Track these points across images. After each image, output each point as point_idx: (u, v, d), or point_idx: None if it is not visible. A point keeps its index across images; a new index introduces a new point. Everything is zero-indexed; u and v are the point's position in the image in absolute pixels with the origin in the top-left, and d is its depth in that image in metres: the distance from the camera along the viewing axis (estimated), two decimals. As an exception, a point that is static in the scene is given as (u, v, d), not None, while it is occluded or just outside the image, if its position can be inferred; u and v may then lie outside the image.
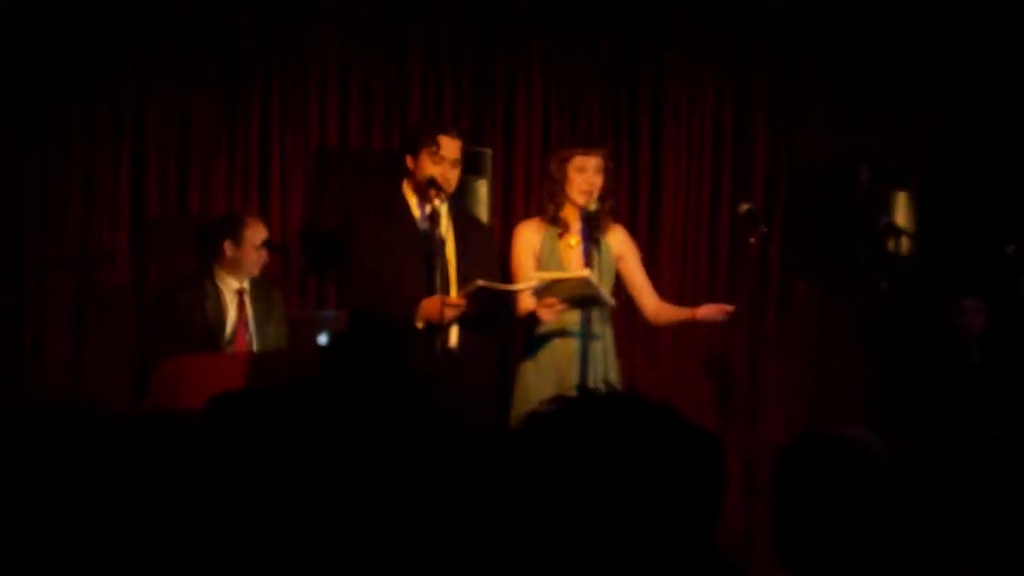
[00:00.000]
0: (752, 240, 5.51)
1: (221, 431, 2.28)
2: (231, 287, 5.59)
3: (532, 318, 5.12)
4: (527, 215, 5.79)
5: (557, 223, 5.32)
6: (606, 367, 5.23)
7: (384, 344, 3.91)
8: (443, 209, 5.05)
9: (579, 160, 5.27)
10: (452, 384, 4.90)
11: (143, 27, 5.89)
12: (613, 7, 6.52)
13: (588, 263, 5.14)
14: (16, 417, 1.91)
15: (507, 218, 6.16)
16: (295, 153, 6.12)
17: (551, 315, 5.06)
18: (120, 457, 1.90)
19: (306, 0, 6.14)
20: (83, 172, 5.86)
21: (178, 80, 5.95)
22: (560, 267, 5.26)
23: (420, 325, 4.97)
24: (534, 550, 1.88)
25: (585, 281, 5.00)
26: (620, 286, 5.47)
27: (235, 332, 5.54)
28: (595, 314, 5.17)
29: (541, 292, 5.04)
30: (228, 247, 5.57)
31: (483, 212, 5.84)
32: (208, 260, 5.66)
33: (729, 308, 5.32)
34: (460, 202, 5.45)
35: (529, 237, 5.35)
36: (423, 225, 5.14)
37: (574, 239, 5.31)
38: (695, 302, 5.73)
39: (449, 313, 4.93)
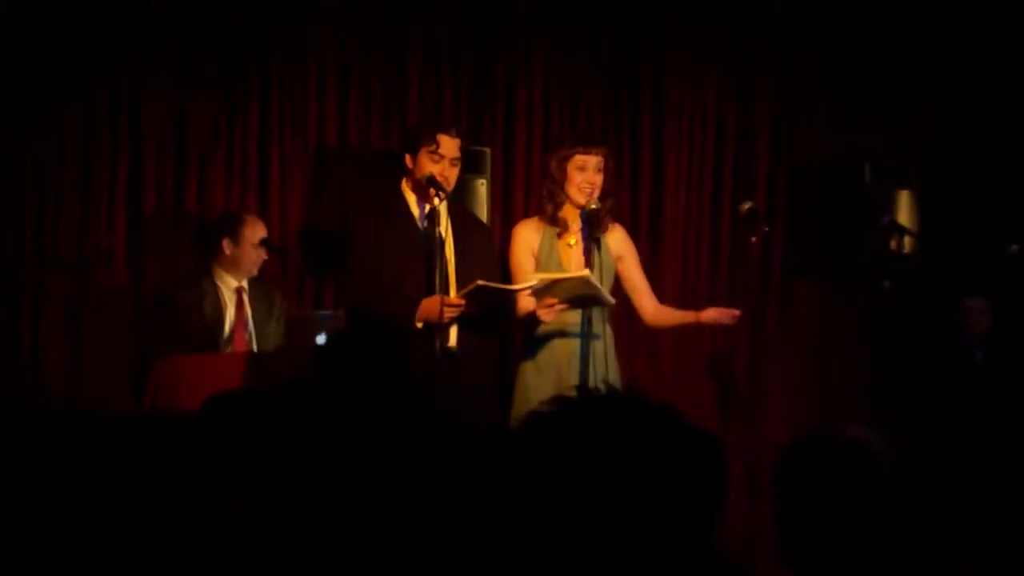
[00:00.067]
0: (754, 239, 5.51)
1: (220, 431, 2.27)
2: (230, 286, 5.58)
3: (532, 318, 5.11)
4: (527, 215, 5.77)
5: (556, 222, 5.30)
6: (606, 367, 5.20)
7: (383, 344, 3.90)
8: (442, 208, 5.03)
9: (579, 158, 5.24)
10: (452, 384, 4.89)
11: (141, 27, 5.88)
12: (613, 7, 6.51)
13: (588, 263, 5.12)
14: (15, 417, 1.91)
15: (507, 218, 6.16)
16: (294, 153, 6.11)
17: (551, 315, 5.05)
18: (119, 457, 1.91)
19: (305, 0, 6.14)
20: (80, 172, 5.85)
21: (176, 80, 5.93)
22: (559, 267, 5.24)
23: (420, 325, 4.97)
24: (534, 550, 1.88)
25: (585, 281, 4.99)
26: (619, 287, 5.46)
27: (234, 331, 5.53)
28: (595, 314, 5.14)
29: (541, 292, 5.02)
30: (227, 245, 5.56)
31: (483, 211, 5.83)
32: (207, 259, 5.65)
33: (736, 312, 5.27)
34: (460, 201, 5.44)
35: (528, 237, 5.33)
36: (422, 225, 5.13)
37: (573, 238, 5.29)
38: (696, 302, 5.71)
39: (449, 313, 4.92)
